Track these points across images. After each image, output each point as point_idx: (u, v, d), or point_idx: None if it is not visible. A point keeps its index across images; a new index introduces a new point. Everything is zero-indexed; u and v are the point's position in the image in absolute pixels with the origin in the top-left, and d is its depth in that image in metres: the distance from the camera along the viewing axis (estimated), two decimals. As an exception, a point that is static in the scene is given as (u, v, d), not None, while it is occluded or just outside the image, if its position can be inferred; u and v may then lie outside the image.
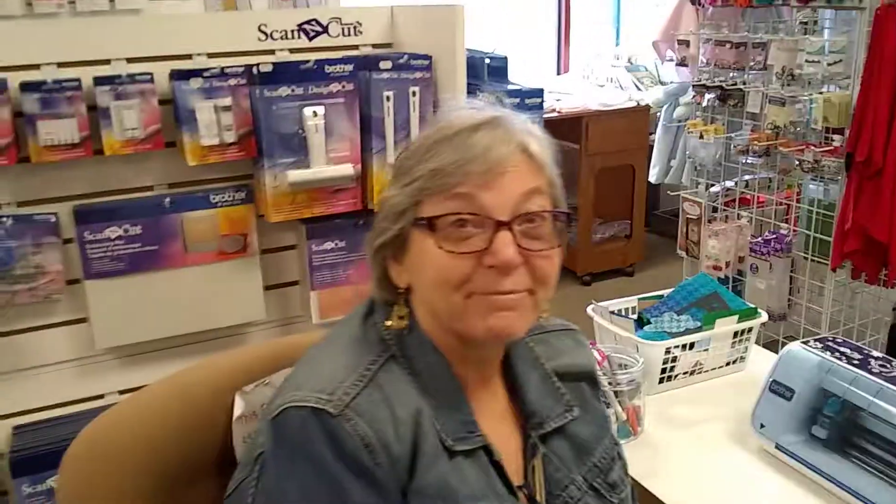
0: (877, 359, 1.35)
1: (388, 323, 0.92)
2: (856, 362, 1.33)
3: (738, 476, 1.37)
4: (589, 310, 1.73)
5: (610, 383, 1.44)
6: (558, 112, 4.12)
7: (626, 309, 1.76)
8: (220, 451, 1.06)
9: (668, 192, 3.45)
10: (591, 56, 4.85)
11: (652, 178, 4.38)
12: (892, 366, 1.32)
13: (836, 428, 1.33)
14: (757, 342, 1.77)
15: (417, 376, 0.89)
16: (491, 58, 1.85)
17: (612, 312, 1.71)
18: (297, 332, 1.81)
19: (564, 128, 4.22)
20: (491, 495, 0.89)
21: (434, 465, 0.85)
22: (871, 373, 1.29)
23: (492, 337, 0.88)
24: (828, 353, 1.37)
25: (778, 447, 1.36)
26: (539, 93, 1.77)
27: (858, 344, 1.43)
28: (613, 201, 4.60)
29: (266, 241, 1.82)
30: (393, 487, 0.83)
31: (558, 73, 4.93)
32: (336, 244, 1.77)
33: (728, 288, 3.20)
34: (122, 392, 1.73)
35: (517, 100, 1.69)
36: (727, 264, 3.16)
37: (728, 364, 1.70)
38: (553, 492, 0.95)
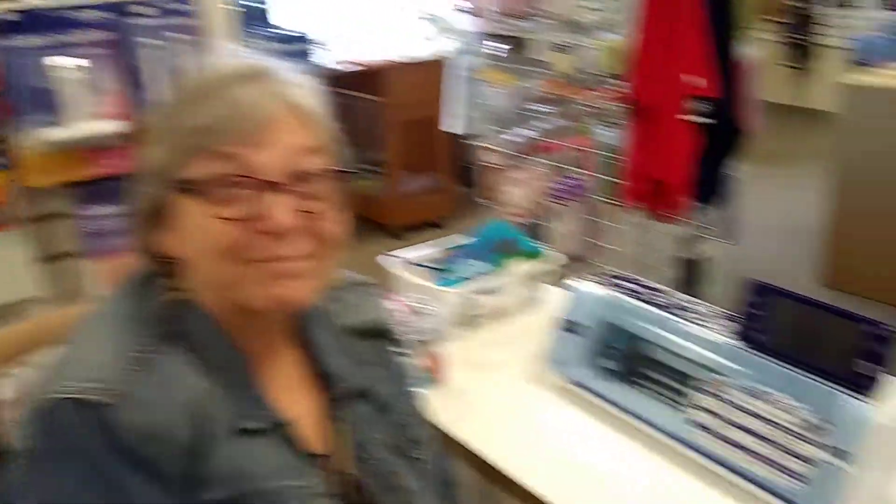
0: (659, 291, 1.41)
1: (164, 298, 0.83)
2: (640, 296, 1.39)
3: (539, 413, 1.40)
4: (389, 261, 1.71)
5: (412, 333, 1.43)
6: (358, 64, 4.05)
7: (427, 259, 1.75)
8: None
9: (468, 142, 3.49)
10: (389, 6, 4.79)
11: (451, 129, 4.41)
12: (672, 297, 1.39)
13: (625, 359, 1.38)
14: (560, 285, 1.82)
15: (198, 354, 0.82)
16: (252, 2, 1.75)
17: (413, 263, 1.70)
18: (76, 306, 1.67)
19: (366, 81, 4.15)
20: (289, 471, 0.83)
21: (223, 448, 0.79)
22: (654, 305, 1.35)
23: (275, 307, 0.82)
24: (614, 288, 1.42)
25: (573, 382, 1.40)
26: (302, 39, 1.68)
27: (643, 279, 1.49)
28: (421, 154, 4.61)
29: (31, 210, 1.64)
30: (178, 478, 0.75)
31: (356, 25, 4.84)
32: (110, 209, 1.63)
33: (531, 234, 3.30)
34: None
35: (279, 45, 1.61)
36: (528, 211, 3.25)
37: (526, 306, 1.73)
38: (358, 455, 0.91)
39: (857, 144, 3.86)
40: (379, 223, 4.60)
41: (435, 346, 1.46)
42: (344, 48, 4.35)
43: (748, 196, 3.23)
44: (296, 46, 1.63)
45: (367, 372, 0.96)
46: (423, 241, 1.81)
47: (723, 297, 3.21)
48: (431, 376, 1.44)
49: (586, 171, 3.18)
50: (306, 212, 0.81)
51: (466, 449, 1.30)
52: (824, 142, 4.08)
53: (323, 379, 0.93)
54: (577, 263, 3.07)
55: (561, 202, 3.11)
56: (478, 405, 1.42)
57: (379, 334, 1.02)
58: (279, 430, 0.85)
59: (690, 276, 3.15)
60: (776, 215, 4.89)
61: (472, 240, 1.79)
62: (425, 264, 1.71)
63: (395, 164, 4.49)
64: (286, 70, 0.84)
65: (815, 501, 1.08)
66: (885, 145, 3.76)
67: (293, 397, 0.89)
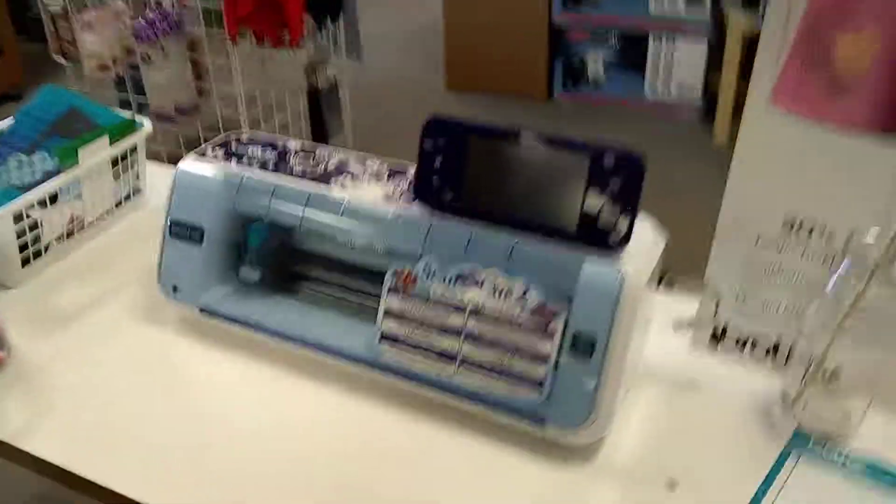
0: (297, 153, 0.98)
1: None
2: (271, 165, 0.95)
3: (161, 374, 0.94)
4: None
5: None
6: None
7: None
8: None
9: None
10: None
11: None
12: (315, 158, 0.97)
13: (269, 262, 0.96)
14: (166, 160, 1.31)
15: None
16: None
17: (-77, 179, 1.09)
18: None
19: None
20: None
21: None
22: (293, 174, 0.93)
23: None
24: (234, 161, 0.96)
25: (203, 311, 0.96)
26: None
27: (271, 136, 1.05)
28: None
29: None
30: None
31: None
32: None
33: (128, 90, 2.65)
34: None
35: None
36: (115, 61, 2.58)
37: (120, 204, 1.22)
38: None
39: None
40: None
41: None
42: None
43: (365, 8, 2.90)
44: None
45: None
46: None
47: (356, 122, 2.92)
48: (-17, 358, 0.92)
49: (178, 1, 2.56)
50: None
51: (57, 469, 0.82)
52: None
53: None
54: (186, 117, 2.52)
55: (153, 43, 2.48)
56: (63, 389, 0.92)
57: None
58: None
59: (319, 105, 2.76)
60: (396, 24, 4.71)
61: (18, 123, 1.21)
62: (-59, 178, 1.11)
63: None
64: None
65: (561, 404, 0.78)
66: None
67: None
